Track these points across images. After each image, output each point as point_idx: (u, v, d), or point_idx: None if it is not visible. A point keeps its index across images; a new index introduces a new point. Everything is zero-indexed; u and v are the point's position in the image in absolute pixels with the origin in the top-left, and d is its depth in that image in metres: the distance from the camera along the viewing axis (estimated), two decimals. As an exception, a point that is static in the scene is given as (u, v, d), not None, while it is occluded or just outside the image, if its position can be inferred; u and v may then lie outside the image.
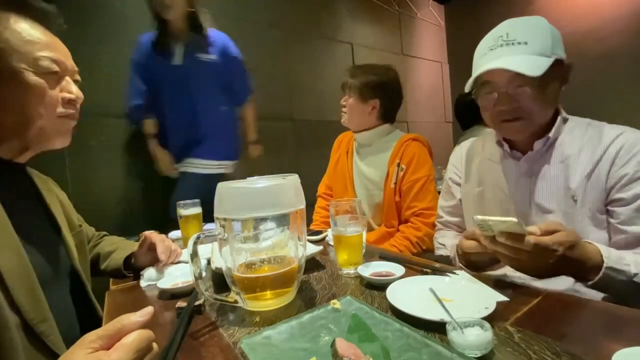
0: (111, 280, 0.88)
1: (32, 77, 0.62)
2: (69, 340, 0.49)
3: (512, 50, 0.74)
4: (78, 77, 0.72)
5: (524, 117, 0.77)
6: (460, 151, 1.07)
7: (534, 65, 0.71)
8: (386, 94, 1.38)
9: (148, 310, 0.41)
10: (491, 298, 0.55)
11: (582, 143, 0.78)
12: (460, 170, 1.03)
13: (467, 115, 2.10)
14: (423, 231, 1.25)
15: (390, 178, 1.33)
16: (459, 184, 1.04)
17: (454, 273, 0.71)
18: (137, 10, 1.66)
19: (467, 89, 0.83)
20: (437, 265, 0.78)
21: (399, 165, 1.31)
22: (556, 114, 0.83)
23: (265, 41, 2.15)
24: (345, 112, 1.40)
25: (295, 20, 2.32)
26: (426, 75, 3.38)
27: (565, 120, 0.83)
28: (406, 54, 3.14)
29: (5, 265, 0.53)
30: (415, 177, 1.28)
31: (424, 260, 0.86)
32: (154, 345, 0.41)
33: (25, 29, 0.62)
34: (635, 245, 0.70)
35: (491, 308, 0.51)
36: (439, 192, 1.17)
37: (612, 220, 0.74)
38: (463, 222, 1.05)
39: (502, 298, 0.58)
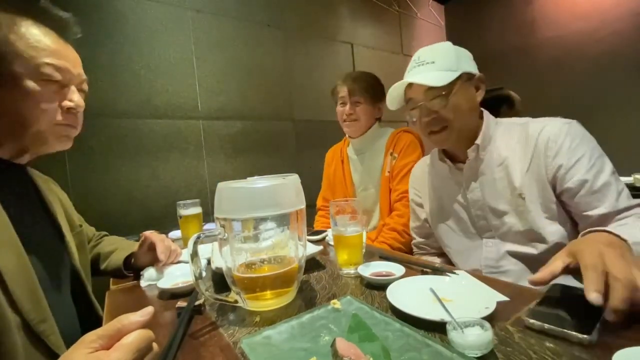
0: (111, 280, 0.88)
1: (30, 84, 0.61)
2: (69, 340, 0.49)
3: (423, 69, 0.86)
4: (85, 87, 0.71)
5: (446, 125, 0.86)
6: (415, 173, 1.14)
7: (438, 78, 0.81)
8: (384, 94, 1.41)
9: (148, 310, 0.41)
10: (491, 298, 0.55)
11: (514, 142, 0.85)
12: (419, 191, 1.10)
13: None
14: (406, 217, 1.25)
15: (385, 167, 1.36)
16: (420, 205, 1.10)
17: (454, 273, 0.71)
18: (137, 10, 1.67)
19: (393, 107, 0.96)
20: (437, 265, 0.78)
21: (391, 154, 1.35)
22: (480, 121, 0.89)
23: (265, 41, 2.15)
24: (354, 120, 1.38)
25: (295, 20, 2.32)
26: (426, 75, 3.38)
27: (494, 125, 0.89)
28: (406, 54, 3.14)
29: (5, 266, 0.53)
30: (404, 162, 1.32)
31: (424, 260, 0.86)
32: (154, 345, 0.41)
33: (35, 35, 0.62)
34: (604, 223, 0.73)
35: (491, 308, 0.50)
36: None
37: (573, 210, 0.79)
38: (432, 242, 1.11)
39: (502, 298, 0.58)
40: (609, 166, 0.77)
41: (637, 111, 2.36)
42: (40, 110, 0.63)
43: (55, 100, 0.65)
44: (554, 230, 0.79)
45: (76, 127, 0.70)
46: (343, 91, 1.39)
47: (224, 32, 1.97)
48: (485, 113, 0.91)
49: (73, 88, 0.67)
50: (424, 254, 1.14)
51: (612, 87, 2.49)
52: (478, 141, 0.86)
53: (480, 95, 0.88)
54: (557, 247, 0.75)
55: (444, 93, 0.82)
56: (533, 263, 0.82)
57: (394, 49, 3.06)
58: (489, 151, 0.88)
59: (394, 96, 0.93)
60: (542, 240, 0.80)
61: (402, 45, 3.12)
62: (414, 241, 1.16)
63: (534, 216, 0.80)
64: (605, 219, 0.75)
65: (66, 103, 0.66)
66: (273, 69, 2.19)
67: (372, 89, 1.38)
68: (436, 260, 1.06)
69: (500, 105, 1.31)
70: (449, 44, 0.88)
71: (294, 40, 2.31)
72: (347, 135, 1.51)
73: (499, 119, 0.92)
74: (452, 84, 0.82)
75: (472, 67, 0.86)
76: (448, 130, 0.86)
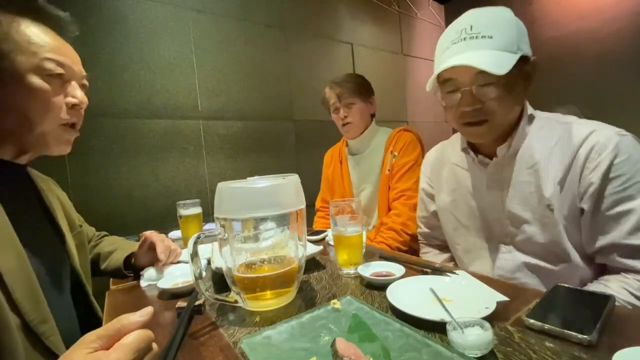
0: (111, 280, 0.88)
1: (36, 80, 0.61)
2: (69, 341, 0.49)
3: (476, 44, 0.67)
4: (86, 83, 0.71)
5: (488, 119, 0.72)
6: (429, 159, 1.04)
7: (499, 62, 0.64)
8: (372, 89, 1.44)
9: (148, 310, 0.41)
10: (491, 298, 0.55)
11: (551, 145, 0.72)
12: (432, 180, 1.01)
13: None
14: (404, 216, 1.25)
15: (385, 165, 1.36)
16: (431, 196, 1.02)
17: (454, 273, 0.71)
18: (137, 10, 1.67)
19: (428, 88, 0.77)
20: (437, 265, 0.78)
21: (392, 152, 1.35)
22: (520, 115, 0.77)
23: (265, 41, 2.15)
24: (350, 123, 1.38)
25: (295, 20, 2.32)
26: (426, 75, 3.37)
27: (531, 120, 0.77)
28: (406, 54, 3.14)
29: (5, 266, 0.53)
30: (404, 160, 1.32)
31: (424, 260, 0.86)
32: (154, 345, 0.41)
33: (35, 33, 0.62)
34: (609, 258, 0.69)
35: (491, 308, 0.50)
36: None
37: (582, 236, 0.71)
38: (439, 235, 1.03)
39: (502, 298, 0.58)
40: None
41: (637, 111, 2.36)
42: (45, 107, 0.63)
43: (60, 96, 0.65)
44: (571, 242, 0.71)
45: (78, 125, 0.71)
46: (333, 97, 1.39)
47: (224, 32, 1.97)
48: (527, 105, 0.77)
49: (74, 84, 0.68)
50: (428, 245, 1.09)
51: (612, 87, 2.48)
52: (513, 139, 0.75)
53: (530, 84, 0.73)
54: (577, 266, 0.72)
55: (500, 81, 0.67)
56: (549, 278, 0.75)
57: (394, 49, 3.06)
58: (522, 150, 0.75)
59: (430, 80, 0.77)
60: (563, 256, 0.72)
61: (402, 45, 3.12)
62: (419, 230, 1.10)
63: (560, 230, 0.71)
64: (610, 251, 0.68)
65: (70, 100, 0.66)
66: (273, 69, 2.19)
67: (359, 86, 1.38)
68: (441, 256, 1.03)
69: None
70: (510, 12, 0.69)
71: (294, 40, 2.31)
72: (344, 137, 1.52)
73: (538, 112, 0.78)
74: (510, 71, 0.64)
75: (529, 48, 0.69)
76: (489, 125, 0.72)
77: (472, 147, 0.84)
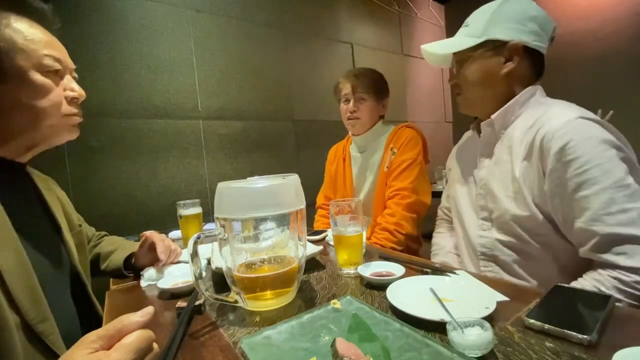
0: (111, 280, 0.88)
1: (38, 77, 0.62)
2: (69, 341, 0.49)
3: (459, 32, 0.84)
4: (76, 75, 0.72)
5: (460, 92, 0.87)
6: (459, 143, 1.09)
7: (452, 44, 0.82)
8: (388, 90, 1.40)
9: (148, 310, 0.41)
10: (491, 298, 0.55)
11: (528, 126, 0.75)
12: (455, 159, 1.06)
13: None
14: (397, 216, 1.22)
15: (384, 162, 1.33)
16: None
17: (454, 273, 0.71)
18: (137, 10, 1.67)
19: (441, 64, 0.94)
20: (437, 265, 0.78)
21: (392, 149, 1.32)
22: (513, 94, 0.80)
23: (265, 41, 2.15)
24: (357, 118, 1.35)
25: (295, 20, 2.32)
26: (426, 75, 3.38)
27: (529, 104, 0.80)
28: (406, 54, 3.14)
29: (5, 265, 0.53)
30: (403, 158, 1.29)
31: (424, 260, 0.86)
32: (154, 345, 0.41)
33: (25, 28, 0.62)
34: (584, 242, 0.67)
35: (491, 308, 0.50)
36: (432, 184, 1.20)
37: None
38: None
39: (502, 298, 0.58)
40: (611, 179, 0.63)
41: (637, 111, 2.36)
42: (50, 102, 0.64)
43: (60, 90, 0.66)
44: (544, 224, 0.72)
45: (80, 115, 0.72)
46: (346, 88, 1.35)
47: (224, 32, 1.97)
48: (528, 89, 0.80)
49: (69, 77, 0.69)
50: (445, 221, 1.13)
51: (612, 87, 2.49)
52: (494, 116, 0.81)
53: (508, 67, 0.78)
54: (548, 244, 0.73)
55: (463, 59, 0.82)
56: (525, 256, 0.77)
57: (394, 49, 3.06)
58: (508, 130, 0.81)
59: (432, 54, 0.90)
60: (538, 231, 0.74)
61: (402, 45, 3.12)
62: (440, 205, 1.16)
63: (531, 207, 0.73)
64: (584, 238, 0.66)
65: (69, 93, 0.67)
66: (273, 69, 2.19)
67: (376, 85, 1.35)
68: (451, 240, 1.06)
69: None
70: (494, 4, 0.80)
71: (294, 40, 2.31)
72: (350, 133, 1.48)
73: (543, 99, 0.81)
74: (470, 51, 0.80)
75: (507, 33, 0.76)
76: (462, 97, 0.87)
77: (478, 127, 0.91)
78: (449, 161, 1.10)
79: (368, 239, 1.28)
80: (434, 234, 1.15)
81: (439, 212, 1.17)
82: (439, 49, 0.85)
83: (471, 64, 0.81)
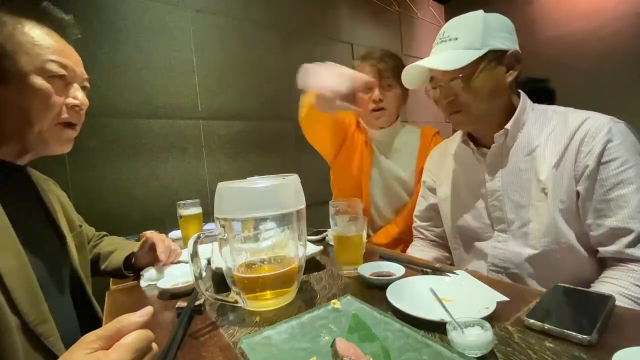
0: (111, 280, 0.88)
1: (38, 81, 0.62)
2: (69, 342, 0.49)
3: (444, 47, 0.78)
4: (87, 85, 0.72)
5: (462, 109, 0.80)
6: (433, 155, 1.08)
7: (456, 59, 0.74)
8: None
9: (148, 310, 0.41)
10: (491, 298, 0.55)
11: (548, 133, 0.77)
12: (434, 174, 1.05)
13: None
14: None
15: (419, 173, 1.17)
16: (432, 189, 1.05)
17: (454, 273, 0.71)
18: (137, 10, 1.67)
19: (413, 86, 0.91)
20: (437, 265, 0.78)
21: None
22: (515, 104, 0.82)
23: (265, 41, 2.15)
24: (384, 109, 1.14)
25: (295, 20, 2.31)
26: (426, 75, 3.38)
27: (529, 111, 0.82)
28: (406, 54, 3.14)
29: (5, 266, 0.53)
30: None
31: (424, 260, 0.86)
32: (154, 345, 0.41)
33: (39, 35, 0.63)
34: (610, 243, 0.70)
35: (491, 308, 0.50)
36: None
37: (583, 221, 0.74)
38: (434, 227, 1.07)
39: (502, 298, 0.58)
40: None
41: (637, 111, 2.36)
42: (45, 107, 0.63)
43: (61, 96, 0.66)
44: (567, 230, 0.74)
45: (77, 125, 0.71)
46: (372, 73, 1.10)
47: (224, 32, 1.97)
48: (523, 96, 0.83)
49: (76, 86, 0.68)
50: (419, 239, 1.10)
51: (612, 87, 2.48)
52: (508, 126, 0.79)
53: (511, 75, 0.78)
54: (569, 250, 0.74)
55: (461, 76, 0.75)
56: (539, 268, 0.78)
57: (394, 49, 3.05)
58: (519, 138, 0.80)
59: (410, 73, 0.86)
60: (559, 241, 0.74)
61: (402, 45, 3.12)
62: (414, 224, 1.12)
63: (551, 213, 0.74)
64: (613, 237, 0.69)
65: (70, 100, 0.67)
66: (273, 69, 2.19)
67: (401, 70, 1.13)
68: (429, 252, 1.04)
69: (541, 101, 1.04)
70: (479, 14, 0.78)
71: (294, 40, 2.30)
72: (365, 125, 1.25)
73: (536, 105, 0.84)
74: (474, 65, 0.74)
75: (504, 42, 0.76)
76: (464, 114, 0.80)
77: (472, 139, 0.89)
78: (428, 179, 1.06)
79: (393, 245, 1.22)
80: (409, 249, 1.11)
81: (414, 231, 1.12)
82: (442, 64, 0.75)
83: (478, 76, 0.76)
